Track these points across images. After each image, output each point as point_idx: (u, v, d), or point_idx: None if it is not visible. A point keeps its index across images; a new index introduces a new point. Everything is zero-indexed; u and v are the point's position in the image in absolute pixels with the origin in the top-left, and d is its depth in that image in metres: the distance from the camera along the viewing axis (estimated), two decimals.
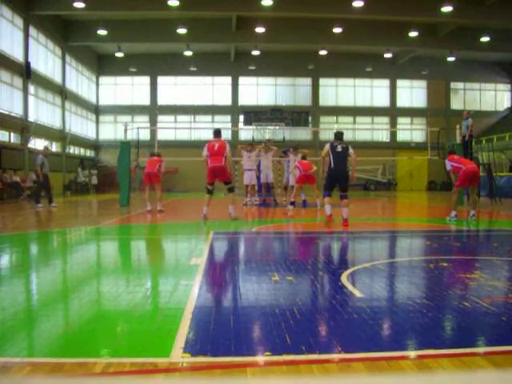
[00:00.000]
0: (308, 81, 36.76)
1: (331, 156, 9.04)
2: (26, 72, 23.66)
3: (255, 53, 32.13)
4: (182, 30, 27.81)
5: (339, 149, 9.09)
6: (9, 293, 3.88)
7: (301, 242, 7.56)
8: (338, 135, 9.47)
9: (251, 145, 15.49)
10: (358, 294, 3.62)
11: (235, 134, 35.25)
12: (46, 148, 15.62)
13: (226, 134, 35.23)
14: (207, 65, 34.79)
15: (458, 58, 34.20)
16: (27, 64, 23.78)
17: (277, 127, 32.97)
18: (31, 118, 24.36)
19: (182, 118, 35.97)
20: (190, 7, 25.08)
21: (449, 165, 10.59)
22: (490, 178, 16.19)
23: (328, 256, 6.06)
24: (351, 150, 9.14)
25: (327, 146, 9.21)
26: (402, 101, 37.56)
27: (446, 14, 25.49)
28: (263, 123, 33.45)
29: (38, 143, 25.64)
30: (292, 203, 12.75)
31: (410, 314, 3.12)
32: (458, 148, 15.61)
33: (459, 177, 10.35)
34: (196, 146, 32.97)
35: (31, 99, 24.70)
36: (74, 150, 31.04)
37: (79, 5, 23.58)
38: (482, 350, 2.50)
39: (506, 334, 2.76)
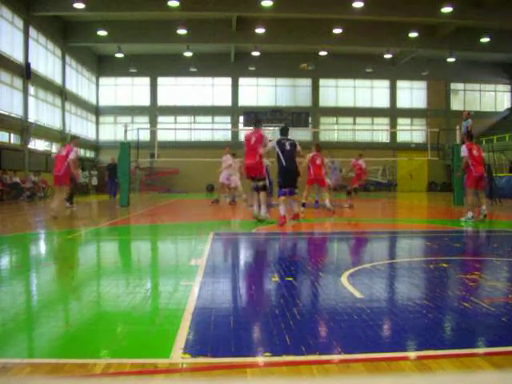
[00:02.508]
0: (308, 81, 36.78)
1: (281, 154, 8.85)
2: (25, 73, 23.67)
3: (255, 53, 32.15)
4: (182, 31, 27.85)
5: (288, 146, 8.93)
6: (9, 293, 3.88)
7: (301, 243, 7.56)
8: (284, 131, 9.26)
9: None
10: (358, 294, 3.62)
11: (235, 134, 35.26)
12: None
13: (226, 135, 35.30)
14: (207, 65, 34.81)
15: (458, 59, 34.22)
16: (27, 65, 23.79)
17: (277, 128, 32.98)
18: (31, 118, 24.36)
19: (181, 118, 35.98)
20: (190, 8, 25.13)
21: (465, 151, 10.12)
22: (489, 178, 16.18)
23: (328, 257, 6.06)
24: (299, 148, 9.05)
25: (274, 143, 8.99)
26: (402, 102, 37.57)
27: (446, 14, 25.52)
28: (263, 124, 33.43)
29: (37, 144, 25.66)
30: (303, 204, 12.66)
31: (410, 314, 3.12)
32: (457, 149, 15.62)
33: (468, 178, 10.14)
34: (196, 146, 33.16)
35: (31, 100, 24.71)
36: None
37: (79, 5, 23.61)
38: (481, 350, 2.50)
39: (505, 334, 2.76)
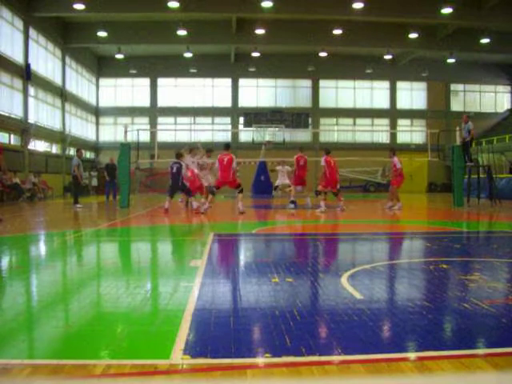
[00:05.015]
0: (308, 82, 36.80)
1: (170, 174, 12.45)
2: (26, 74, 23.68)
3: (255, 54, 32.17)
4: (182, 32, 27.85)
5: (174, 169, 12.34)
6: (9, 293, 3.89)
7: (301, 244, 7.56)
8: (177, 155, 12.68)
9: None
10: (357, 295, 3.62)
11: (235, 135, 35.26)
12: (79, 150, 15.83)
13: (226, 136, 35.29)
14: (207, 66, 34.83)
15: (458, 60, 34.24)
16: (27, 66, 23.80)
17: (277, 129, 33.00)
18: (31, 119, 24.37)
19: (181, 119, 35.99)
20: (190, 9, 25.14)
21: (399, 163, 13.88)
22: (489, 179, 16.19)
23: (328, 258, 6.06)
24: (183, 170, 12.28)
25: (169, 165, 12.63)
26: (402, 102, 37.59)
27: (446, 15, 25.55)
28: (263, 125, 33.47)
29: (38, 145, 25.66)
30: (292, 202, 13.43)
31: (409, 315, 3.12)
32: (457, 149, 15.64)
33: (399, 181, 14.23)
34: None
35: (31, 101, 24.72)
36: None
37: (79, 6, 23.62)
38: (481, 351, 2.50)
39: (505, 335, 2.76)
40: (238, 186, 11.89)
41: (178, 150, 13.66)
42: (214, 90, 36.38)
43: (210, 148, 14.48)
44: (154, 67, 34.97)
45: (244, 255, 6.29)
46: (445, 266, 4.89)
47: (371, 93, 37.37)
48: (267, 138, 30.71)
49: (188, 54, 31.90)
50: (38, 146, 25.84)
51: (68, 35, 28.82)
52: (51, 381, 2.15)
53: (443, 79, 37.05)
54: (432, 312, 3.17)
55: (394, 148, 15.76)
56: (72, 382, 2.14)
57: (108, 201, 18.90)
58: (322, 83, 36.77)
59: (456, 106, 37.76)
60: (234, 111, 35.84)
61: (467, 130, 15.30)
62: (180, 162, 12.68)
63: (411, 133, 37.41)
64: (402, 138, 37.46)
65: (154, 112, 35.64)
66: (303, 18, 27.49)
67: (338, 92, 37.10)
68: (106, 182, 19.77)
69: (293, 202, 13.71)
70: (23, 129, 23.34)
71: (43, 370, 2.24)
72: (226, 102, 36.22)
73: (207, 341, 2.60)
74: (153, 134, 29.70)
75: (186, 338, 2.64)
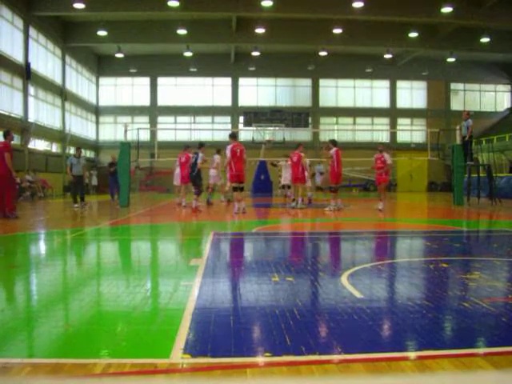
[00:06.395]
0: (308, 82, 36.78)
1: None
2: (25, 73, 23.67)
3: (255, 54, 32.14)
4: (182, 31, 27.84)
5: (193, 159, 12.72)
6: (9, 293, 3.88)
7: (301, 243, 7.56)
8: (199, 146, 13.18)
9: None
10: (357, 294, 3.62)
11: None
12: (78, 149, 15.85)
13: (226, 136, 35.24)
14: (207, 66, 34.81)
15: (458, 59, 34.22)
16: (27, 65, 23.79)
17: (277, 128, 33.00)
18: (31, 118, 24.35)
19: (182, 118, 35.98)
20: (190, 8, 25.14)
21: (390, 159, 12.92)
22: (489, 178, 16.19)
23: (328, 257, 6.06)
24: (199, 160, 12.62)
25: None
26: (402, 102, 37.56)
27: (446, 14, 25.53)
28: (263, 124, 33.47)
29: (38, 144, 25.65)
30: (293, 200, 13.54)
31: (409, 314, 3.12)
32: (457, 148, 15.65)
33: (386, 179, 13.21)
34: (196, 146, 33.12)
35: (31, 100, 24.71)
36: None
37: (79, 6, 23.61)
38: (481, 350, 2.50)
39: (505, 334, 2.76)
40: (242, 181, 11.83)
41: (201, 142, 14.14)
42: (213, 89, 36.36)
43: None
44: (153, 66, 34.96)
45: (244, 254, 6.29)
46: (445, 265, 4.89)
47: (371, 92, 37.35)
48: (267, 137, 30.70)
49: (188, 53, 31.88)
50: (38, 145, 25.83)
51: (68, 34, 28.80)
52: (51, 380, 2.15)
53: (443, 78, 37.02)
54: (432, 311, 3.17)
55: (384, 144, 15.59)
56: (72, 380, 2.14)
57: (113, 199, 18.75)
58: (322, 82, 36.75)
59: (456, 105, 37.73)
60: (233, 110, 35.83)
61: (466, 126, 15.34)
62: (198, 152, 12.96)
63: (411, 132, 37.38)
64: (402, 137, 37.44)
65: (154, 111, 35.64)
66: (303, 17, 27.46)
67: (338, 91, 37.08)
68: (110, 181, 19.56)
69: (293, 200, 13.79)
70: (23, 128, 23.33)
71: (43, 369, 2.24)
72: (226, 101, 36.21)
73: (207, 340, 2.60)
74: (153, 133, 29.69)
75: (186, 337, 2.64)
